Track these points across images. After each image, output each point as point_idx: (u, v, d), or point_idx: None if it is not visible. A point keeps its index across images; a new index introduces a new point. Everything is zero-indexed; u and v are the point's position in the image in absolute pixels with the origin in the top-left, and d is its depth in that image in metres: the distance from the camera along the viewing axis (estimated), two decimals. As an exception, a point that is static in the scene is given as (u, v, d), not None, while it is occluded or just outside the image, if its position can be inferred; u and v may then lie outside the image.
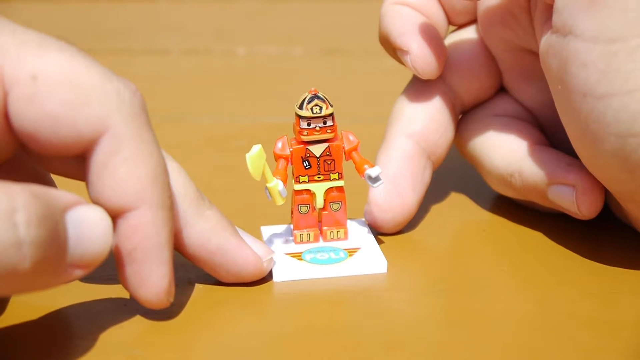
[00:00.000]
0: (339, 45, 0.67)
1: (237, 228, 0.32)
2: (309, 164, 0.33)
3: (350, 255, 0.34)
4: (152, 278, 0.28)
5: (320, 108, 0.33)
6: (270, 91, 0.57)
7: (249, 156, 0.31)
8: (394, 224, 0.35)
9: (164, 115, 0.51)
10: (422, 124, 0.36)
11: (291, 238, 0.34)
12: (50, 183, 0.32)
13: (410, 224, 0.36)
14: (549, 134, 0.37)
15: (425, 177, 0.36)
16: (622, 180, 0.30)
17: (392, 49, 0.36)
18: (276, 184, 0.32)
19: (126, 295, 0.31)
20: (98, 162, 0.27)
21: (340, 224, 0.35)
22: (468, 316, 0.30)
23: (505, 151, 0.35)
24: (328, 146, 0.34)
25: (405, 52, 0.35)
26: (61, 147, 0.27)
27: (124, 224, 0.28)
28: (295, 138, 0.34)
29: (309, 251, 0.34)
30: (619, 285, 0.31)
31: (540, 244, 0.35)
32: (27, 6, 0.79)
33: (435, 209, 0.38)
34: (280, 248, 0.34)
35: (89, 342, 0.28)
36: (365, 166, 0.34)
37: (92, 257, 0.26)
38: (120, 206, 0.28)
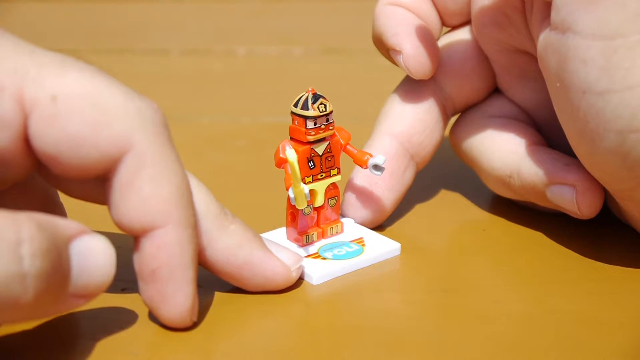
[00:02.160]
0: (338, 45, 0.67)
1: (263, 236, 0.32)
2: (314, 164, 0.33)
3: (362, 245, 0.34)
4: (176, 298, 0.28)
5: (325, 106, 0.33)
6: (270, 91, 0.57)
7: (294, 161, 0.31)
8: (367, 222, 0.35)
9: (164, 115, 0.51)
10: (408, 124, 0.36)
11: (290, 241, 0.34)
12: (59, 205, 0.32)
13: (410, 224, 0.36)
14: (545, 135, 0.37)
15: (406, 177, 0.36)
16: (621, 178, 0.30)
17: (386, 49, 0.36)
18: (303, 188, 0.32)
19: (126, 296, 0.31)
20: (121, 181, 0.27)
21: (337, 219, 0.35)
22: (468, 316, 0.30)
23: (503, 152, 0.35)
24: (329, 143, 0.34)
25: (398, 52, 0.35)
26: (83, 168, 0.27)
27: (149, 243, 0.28)
28: (294, 140, 0.33)
29: (323, 250, 0.34)
30: (618, 285, 0.31)
31: (540, 243, 0.35)
32: (28, 6, 0.79)
33: (435, 209, 0.38)
34: None
35: (91, 342, 0.28)
36: (367, 157, 0.34)
37: (94, 287, 0.26)
38: (145, 225, 0.27)
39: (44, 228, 0.25)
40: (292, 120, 0.33)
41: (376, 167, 0.34)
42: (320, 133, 0.33)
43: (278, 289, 0.31)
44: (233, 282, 0.31)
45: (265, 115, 0.51)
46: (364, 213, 0.35)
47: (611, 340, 0.28)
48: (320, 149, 0.33)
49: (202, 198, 0.30)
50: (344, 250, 0.34)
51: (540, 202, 0.34)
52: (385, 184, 0.35)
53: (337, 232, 0.35)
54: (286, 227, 0.34)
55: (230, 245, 0.30)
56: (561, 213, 0.34)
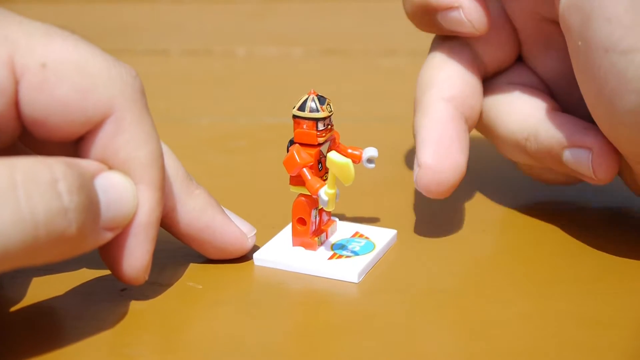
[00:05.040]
0: (338, 45, 0.67)
1: (223, 207, 0.33)
2: (321, 166, 0.33)
3: (367, 238, 0.34)
4: (136, 253, 0.29)
5: (330, 106, 0.33)
6: (270, 92, 0.57)
7: (350, 163, 0.31)
8: (447, 187, 0.34)
9: (163, 116, 0.51)
10: (459, 88, 0.35)
11: (298, 248, 0.34)
12: None
13: (409, 225, 0.36)
14: (563, 106, 0.36)
15: (467, 140, 0.35)
16: (638, 141, 0.30)
17: (431, 14, 0.35)
18: (335, 190, 0.32)
19: (125, 296, 0.31)
20: (100, 143, 0.29)
21: (330, 219, 0.35)
22: (467, 316, 0.30)
23: (521, 115, 0.35)
24: (329, 143, 0.34)
25: (456, 8, 0.34)
26: (68, 131, 0.28)
27: None
28: (302, 144, 0.33)
29: (336, 249, 0.34)
30: (619, 285, 0.31)
31: (540, 243, 0.35)
32: (28, 7, 0.79)
33: (435, 209, 0.38)
34: (313, 258, 0.33)
35: (87, 342, 0.28)
36: (359, 151, 0.34)
37: (121, 219, 0.28)
38: None
39: (72, 166, 0.27)
40: (298, 124, 0.33)
41: (369, 160, 0.34)
42: (327, 134, 0.33)
43: (234, 255, 0.33)
44: (194, 245, 0.33)
45: (265, 116, 0.51)
46: (444, 176, 0.34)
47: (611, 341, 0.28)
48: (324, 150, 0.33)
49: (171, 163, 0.32)
50: (356, 246, 0.34)
51: (556, 167, 0.34)
52: (456, 146, 0.34)
53: (334, 231, 0.35)
54: (292, 234, 0.34)
55: (195, 208, 0.32)
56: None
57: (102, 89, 0.28)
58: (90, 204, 0.27)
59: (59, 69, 0.28)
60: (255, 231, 0.33)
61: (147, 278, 0.30)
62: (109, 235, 0.28)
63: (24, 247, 0.25)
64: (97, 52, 0.29)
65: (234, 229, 0.32)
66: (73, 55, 0.28)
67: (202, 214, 0.32)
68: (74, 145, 0.29)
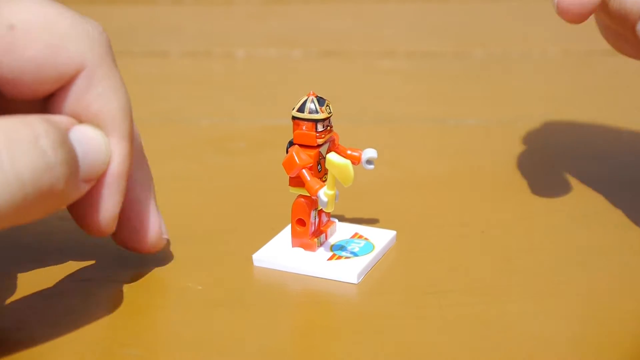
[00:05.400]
0: (337, 47, 0.67)
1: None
2: (320, 167, 0.33)
3: (366, 239, 0.34)
4: (108, 204, 0.29)
5: (330, 107, 0.33)
6: (269, 93, 0.57)
7: (349, 164, 0.31)
8: (589, 8, 0.33)
9: (163, 117, 0.51)
10: None
11: (297, 249, 0.34)
12: None
13: (409, 225, 0.36)
14: None
15: None
16: None
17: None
18: (334, 192, 0.32)
19: (125, 296, 0.31)
20: (72, 98, 0.29)
21: (329, 220, 0.35)
22: (466, 317, 0.30)
23: None
24: (329, 144, 0.34)
25: None
26: (41, 89, 0.29)
27: None
28: (302, 146, 0.33)
29: (336, 250, 0.34)
30: (618, 286, 0.31)
31: (539, 245, 0.35)
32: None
33: (434, 210, 0.38)
34: (313, 259, 0.33)
35: (83, 342, 0.28)
36: (357, 152, 0.34)
37: (97, 170, 0.29)
38: None
39: (51, 122, 0.27)
40: (297, 126, 0.33)
41: (369, 161, 0.34)
42: (326, 135, 0.33)
43: (143, 245, 0.32)
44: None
45: (265, 117, 0.51)
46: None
47: (611, 342, 0.28)
48: (323, 151, 0.33)
49: (135, 129, 0.31)
50: (355, 246, 0.34)
51: (629, 34, 0.34)
52: None
53: (333, 233, 0.35)
54: (292, 235, 0.34)
55: (137, 180, 0.32)
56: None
57: (71, 45, 0.29)
58: (73, 157, 0.27)
59: (27, 29, 0.28)
60: (167, 237, 0.33)
61: (113, 230, 0.30)
62: (86, 188, 0.28)
63: (13, 207, 0.26)
64: (64, 10, 0.29)
65: (158, 220, 0.32)
66: (41, 15, 0.28)
67: (142, 189, 0.32)
68: (42, 102, 0.30)
